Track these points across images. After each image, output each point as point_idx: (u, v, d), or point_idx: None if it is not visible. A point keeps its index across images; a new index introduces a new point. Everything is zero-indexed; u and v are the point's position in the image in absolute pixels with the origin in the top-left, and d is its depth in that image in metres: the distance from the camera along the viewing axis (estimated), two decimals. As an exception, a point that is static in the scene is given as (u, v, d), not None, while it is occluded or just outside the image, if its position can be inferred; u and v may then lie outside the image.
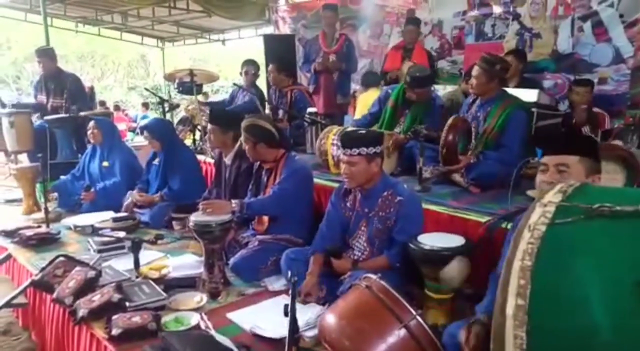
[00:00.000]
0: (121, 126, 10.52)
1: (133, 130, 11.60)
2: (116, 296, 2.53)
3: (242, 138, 3.32)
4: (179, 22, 9.89)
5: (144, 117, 11.71)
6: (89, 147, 4.59)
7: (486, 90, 3.37)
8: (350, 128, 3.85)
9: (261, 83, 6.09)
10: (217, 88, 17.86)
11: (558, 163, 1.81)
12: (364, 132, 2.68)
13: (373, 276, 1.86)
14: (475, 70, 3.38)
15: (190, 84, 4.87)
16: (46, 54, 5.25)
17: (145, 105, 12.03)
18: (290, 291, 2.07)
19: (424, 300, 2.49)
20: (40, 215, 4.05)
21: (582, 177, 1.75)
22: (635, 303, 0.99)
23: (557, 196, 1.22)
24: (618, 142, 3.03)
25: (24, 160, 5.36)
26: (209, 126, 3.73)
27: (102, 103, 11.14)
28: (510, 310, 1.09)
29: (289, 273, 1.93)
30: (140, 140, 6.41)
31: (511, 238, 2.01)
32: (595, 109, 3.96)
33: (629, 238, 1.06)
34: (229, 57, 17.47)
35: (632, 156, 2.49)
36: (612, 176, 2.47)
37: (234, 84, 5.39)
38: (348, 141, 2.59)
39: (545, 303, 1.06)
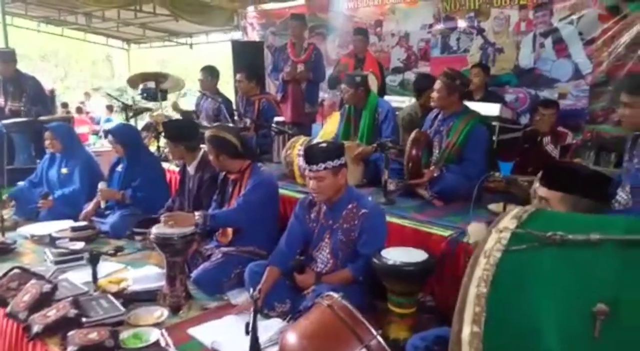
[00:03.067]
0: (84, 129, 10.26)
1: (96, 133, 11.32)
2: (72, 312, 2.45)
3: (206, 148, 3.28)
4: (145, 25, 9.73)
5: (107, 120, 11.43)
6: (48, 153, 4.45)
7: (447, 104, 3.43)
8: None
9: (228, 90, 6.04)
10: (185, 92, 17.64)
11: (541, 196, 1.81)
12: (325, 145, 2.68)
13: (335, 295, 1.86)
14: (437, 84, 3.45)
15: (155, 90, 4.79)
16: (4, 57, 5.07)
17: (110, 108, 11.76)
18: (252, 308, 2.08)
19: (387, 313, 2.51)
20: (-4, 223, 3.91)
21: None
22: (585, 331, 1.01)
23: (512, 222, 1.25)
24: (577, 160, 3.12)
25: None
26: None
27: (65, 105, 10.83)
28: (465, 337, 1.10)
29: (251, 289, 1.92)
30: (102, 145, 6.26)
31: None
32: (560, 128, 4.08)
33: (580, 267, 1.09)
34: (197, 59, 17.29)
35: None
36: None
37: (199, 91, 5.31)
38: (312, 157, 2.58)
39: (499, 330, 1.08)
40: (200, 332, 2.49)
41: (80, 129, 9.25)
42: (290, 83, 5.62)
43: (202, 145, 3.57)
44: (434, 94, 3.44)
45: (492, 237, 1.23)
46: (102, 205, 4.07)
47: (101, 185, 4.03)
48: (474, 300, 1.13)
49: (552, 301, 1.07)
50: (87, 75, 24.06)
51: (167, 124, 3.77)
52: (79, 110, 11.45)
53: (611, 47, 4.49)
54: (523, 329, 1.07)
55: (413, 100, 4.80)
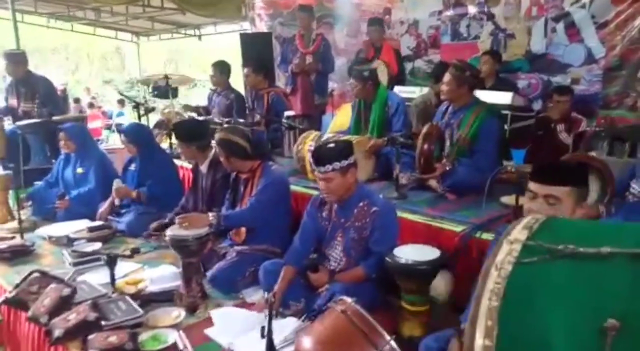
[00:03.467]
0: (96, 124, 10.38)
1: (109, 128, 11.42)
2: (92, 315, 2.50)
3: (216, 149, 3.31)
4: (153, 18, 9.74)
5: (119, 114, 11.53)
6: (63, 153, 4.50)
7: (456, 96, 3.41)
8: (325, 139, 3.88)
9: (239, 82, 6.03)
10: (195, 83, 17.65)
11: (548, 194, 1.82)
12: (333, 145, 2.68)
13: (348, 300, 1.88)
14: (446, 77, 3.43)
15: (165, 88, 4.81)
16: (15, 59, 5.12)
17: (121, 102, 11.83)
18: (267, 311, 2.11)
19: (400, 310, 2.52)
20: (14, 224, 3.98)
21: (571, 208, 1.81)
22: (596, 347, 1.02)
23: (523, 233, 1.24)
24: (590, 153, 3.09)
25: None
26: None
27: (77, 100, 10.92)
28: (478, 349, 1.11)
29: (266, 293, 1.94)
30: (114, 142, 6.32)
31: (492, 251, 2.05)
32: (574, 115, 4.03)
33: (591, 281, 1.09)
34: (206, 50, 17.28)
35: (606, 167, 2.54)
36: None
37: (210, 89, 5.32)
38: (320, 158, 2.59)
39: (511, 344, 1.09)
40: (217, 333, 2.52)
41: (92, 124, 9.37)
42: (299, 75, 5.61)
43: (213, 143, 3.59)
44: (444, 87, 3.41)
45: (503, 248, 1.22)
46: (117, 202, 4.12)
47: (116, 184, 4.08)
48: (486, 313, 1.13)
49: (562, 316, 1.07)
50: (97, 67, 24.18)
51: (178, 125, 3.80)
52: (91, 105, 11.53)
53: (624, 30, 4.40)
54: (534, 344, 1.07)
55: (424, 90, 4.78)
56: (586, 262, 1.12)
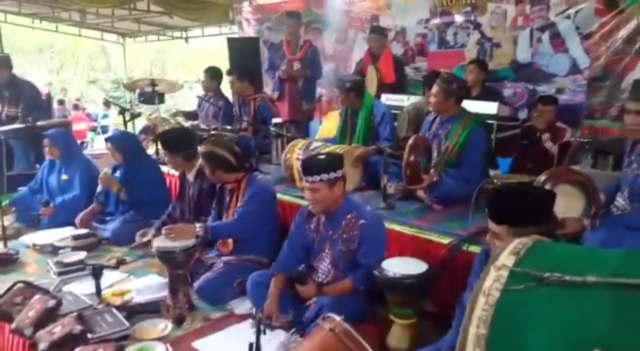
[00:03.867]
0: (81, 126, 10.26)
1: (94, 130, 11.31)
2: (77, 328, 2.48)
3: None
4: (140, 19, 9.65)
5: (104, 116, 11.42)
6: (47, 159, 4.45)
7: (444, 108, 3.43)
8: (313, 147, 3.88)
9: (228, 88, 6.02)
10: (182, 85, 17.55)
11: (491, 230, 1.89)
12: (323, 157, 2.70)
13: (337, 318, 1.89)
14: (434, 88, 3.45)
15: (152, 94, 4.78)
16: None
17: (107, 104, 11.72)
18: (255, 324, 2.10)
19: (388, 322, 2.54)
20: (-3, 231, 3.93)
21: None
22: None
23: (510, 258, 1.26)
24: (575, 167, 3.13)
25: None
26: None
27: (61, 102, 10.78)
28: (467, 378, 1.13)
29: (254, 310, 1.94)
30: (99, 145, 6.26)
31: (479, 269, 2.06)
32: (559, 124, 4.08)
33: (576, 310, 1.11)
34: (193, 51, 17.20)
35: (591, 181, 2.57)
36: (572, 201, 2.56)
37: (198, 96, 5.30)
38: (309, 168, 2.60)
39: (499, 373, 1.10)
40: (204, 346, 2.52)
41: (77, 126, 9.27)
42: (286, 81, 5.60)
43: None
44: (432, 98, 3.44)
45: (490, 275, 1.24)
46: (99, 189, 4.12)
47: (104, 171, 4.06)
48: (474, 341, 1.14)
49: (550, 345, 1.09)
50: (83, 67, 23.90)
51: (164, 135, 3.78)
52: (76, 106, 11.41)
53: (609, 41, 4.47)
54: (522, 372, 1.09)
55: (412, 98, 4.80)
56: (572, 290, 1.14)
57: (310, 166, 2.61)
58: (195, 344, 2.54)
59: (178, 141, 3.59)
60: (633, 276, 1.10)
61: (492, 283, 1.22)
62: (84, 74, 23.55)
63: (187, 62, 21.72)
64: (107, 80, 21.41)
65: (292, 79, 5.56)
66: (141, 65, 21.55)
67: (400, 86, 5.31)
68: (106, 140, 4.19)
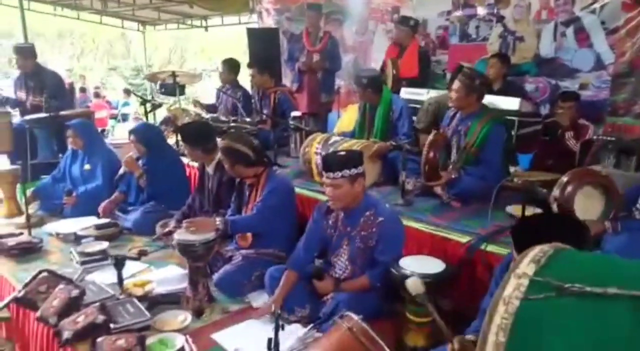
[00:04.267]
0: (102, 114, 10.39)
1: (114, 117, 11.44)
2: (100, 318, 2.53)
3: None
4: (160, 8, 9.70)
5: (125, 104, 11.54)
6: (70, 148, 4.53)
7: (465, 104, 3.41)
8: (332, 142, 3.89)
9: (246, 78, 6.04)
10: (200, 72, 17.60)
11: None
12: (344, 153, 2.71)
13: (355, 317, 1.91)
14: (455, 84, 3.40)
15: (173, 85, 4.83)
16: (24, 52, 5.13)
17: (127, 92, 11.83)
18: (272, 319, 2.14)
19: (404, 319, 2.56)
20: (22, 219, 4.02)
21: None
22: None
23: (530, 267, 1.26)
24: (597, 167, 3.09)
25: (3, 161, 5.28)
26: None
27: (83, 90, 10.92)
28: (484, 385, 1.14)
29: (273, 306, 1.96)
30: (120, 136, 6.34)
31: (499, 278, 2.05)
32: (582, 121, 4.03)
33: (596, 321, 1.11)
34: (213, 40, 17.24)
35: (612, 183, 2.55)
36: (593, 203, 2.54)
37: (217, 89, 5.34)
38: (330, 164, 2.61)
39: (517, 382, 1.11)
40: (223, 338, 2.57)
41: (98, 114, 9.39)
42: (306, 73, 5.60)
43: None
44: (452, 94, 3.41)
45: (511, 282, 1.24)
46: (121, 171, 4.22)
47: (130, 154, 4.14)
48: (493, 349, 1.15)
49: (568, 355, 1.10)
50: (102, 53, 24.10)
51: (183, 129, 3.83)
52: (97, 94, 11.54)
53: (635, 37, 4.38)
54: (540, 382, 1.10)
55: (432, 92, 4.77)
56: (593, 302, 1.14)
57: (331, 162, 2.63)
58: (215, 336, 2.59)
59: (197, 134, 3.63)
60: (655, 289, 1.10)
61: (512, 291, 1.23)
62: (104, 60, 23.76)
63: (206, 50, 21.79)
64: (127, 68, 21.60)
65: (311, 70, 5.57)
66: (160, 52, 21.70)
67: (423, 80, 5.25)
68: (130, 132, 4.25)
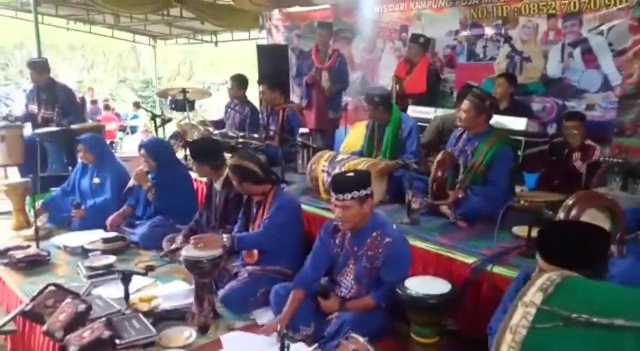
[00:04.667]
0: (111, 126, 10.48)
1: (123, 129, 11.55)
2: (106, 333, 2.55)
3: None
4: (171, 23, 9.85)
5: (134, 117, 11.65)
6: (80, 162, 4.58)
7: (474, 125, 3.42)
8: (339, 159, 3.91)
9: (255, 93, 6.10)
10: (209, 85, 17.73)
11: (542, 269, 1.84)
12: (353, 175, 2.73)
13: (361, 339, 1.92)
14: (465, 104, 3.41)
15: (183, 101, 4.89)
16: (38, 67, 5.22)
17: (137, 105, 11.94)
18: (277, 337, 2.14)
19: (409, 339, 2.55)
20: (30, 231, 4.06)
21: None
22: None
23: (538, 295, 1.27)
24: (602, 190, 3.10)
25: (14, 173, 5.35)
26: None
27: (94, 102, 11.05)
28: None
29: (279, 326, 1.97)
30: (129, 150, 6.40)
31: (511, 297, 2.04)
32: (588, 142, 4.03)
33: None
34: (222, 53, 17.41)
35: (617, 206, 2.54)
36: (598, 224, 2.53)
37: (226, 106, 5.41)
38: (339, 186, 2.63)
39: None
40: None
41: (108, 126, 9.48)
42: (313, 89, 5.65)
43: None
44: (462, 114, 3.42)
45: (518, 311, 1.25)
46: (131, 184, 4.27)
47: (140, 167, 4.19)
48: (500, 377, 1.16)
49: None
50: (113, 65, 24.34)
51: (192, 145, 3.88)
52: (107, 107, 11.67)
53: (642, 59, 4.40)
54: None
55: (439, 111, 4.81)
56: (599, 332, 1.15)
57: (340, 184, 2.64)
58: (219, 353, 2.59)
59: (205, 151, 3.67)
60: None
61: (519, 320, 1.24)
62: (114, 73, 23.99)
63: (215, 64, 21.97)
64: (137, 80, 21.82)
65: (319, 86, 5.61)
66: (170, 65, 21.89)
67: (431, 97, 5.31)
68: (140, 146, 4.30)
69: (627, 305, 1.21)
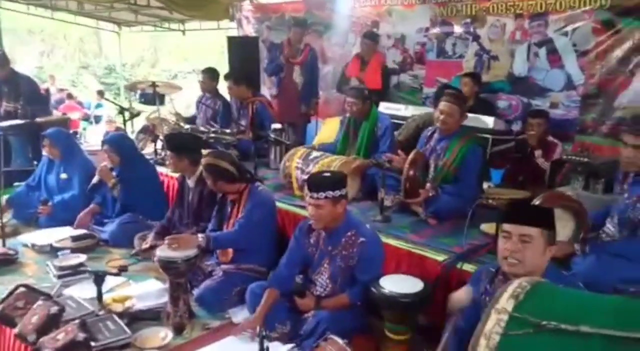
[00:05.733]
0: (74, 115, 10.19)
1: (87, 119, 11.26)
2: (81, 335, 2.52)
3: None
4: (137, 11, 9.59)
5: (98, 106, 11.35)
6: (45, 156, 4.47)
7: (455, 126, 3.48)
8: (312, 157, 3.94)
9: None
10: (176, 74, 17.39)
11: (522, 234, 1.97)
12: (329, 175, 2.78)
13: (339, 341, 1.97)
14: (449, 107, 3.42)
15: (152, 95, 4.81)
16: (-2, 60, 5.05)
17: (100, 93, 11.64)
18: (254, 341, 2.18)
19: (383, 338, 2.63)
20: (-6, 229, 3.95)
21: (542, 249, 1.98)
22: None
23: (510, 302, 1.34)
24: (566, 189, 3.23)
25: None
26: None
27: (61, 90, 10.72)
28: None
29: (257, 328, 2.00)
30: (94, 142, 6.27)
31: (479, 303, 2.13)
32: (550, 138, 4.17)
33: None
34: (190, 43, 17.08)
35: (581, 206, 2.67)
36: (563, 223, 2.65)
37: (197, 101, 5.37)
38: (314, 185, 2.67)
39: None
40: (205, 356, 2.59)
41: (70, 115, 9.22)
42: (284, 80, 5.66)
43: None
44: (445, 117, 3.42)
45: (491, 318, 1.32)
46: (95, 180, 4.21)
47: (104, 163, 4.13)
48: (475, 383, 1.23)
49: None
50: (74, 50, 23.53)
51: (171, 137, 3.82)
52: (70, 96, 11.33)
53: (604, 60, 4.56)
54: None
55: (409, 107, 4.89)
56: (567, 339, 1.23)
57: (316, 183, 2.68)
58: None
59: (185, 144, 3.64)
60: (624, 329, 1.19)
61: (492, 326, 1.31)
62: (75, 58, 23.19)
63: (181, 50, 21.52)
64: (100, 66, 21.19)
65: (291, 80, 5.62)
66: (134, 51, 21.33)
67: (385, 94, 5.45)
68: (103, 142, 4.22)
69: (594, 312, 1.29)
